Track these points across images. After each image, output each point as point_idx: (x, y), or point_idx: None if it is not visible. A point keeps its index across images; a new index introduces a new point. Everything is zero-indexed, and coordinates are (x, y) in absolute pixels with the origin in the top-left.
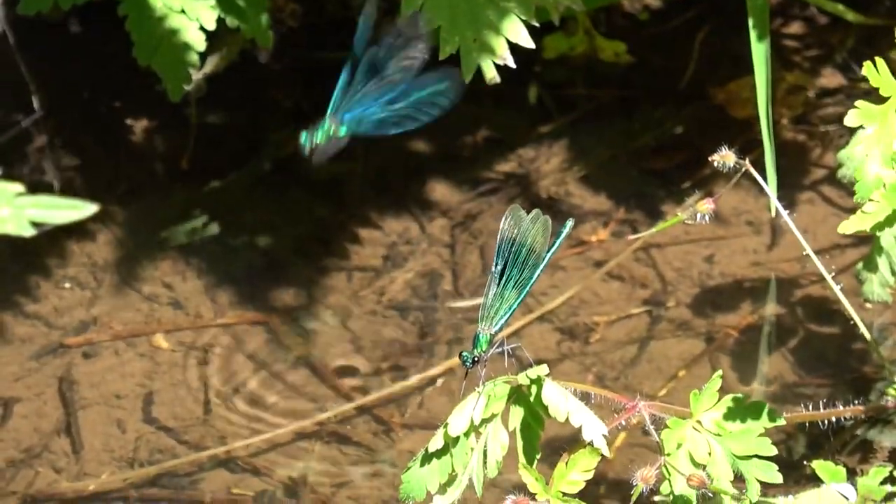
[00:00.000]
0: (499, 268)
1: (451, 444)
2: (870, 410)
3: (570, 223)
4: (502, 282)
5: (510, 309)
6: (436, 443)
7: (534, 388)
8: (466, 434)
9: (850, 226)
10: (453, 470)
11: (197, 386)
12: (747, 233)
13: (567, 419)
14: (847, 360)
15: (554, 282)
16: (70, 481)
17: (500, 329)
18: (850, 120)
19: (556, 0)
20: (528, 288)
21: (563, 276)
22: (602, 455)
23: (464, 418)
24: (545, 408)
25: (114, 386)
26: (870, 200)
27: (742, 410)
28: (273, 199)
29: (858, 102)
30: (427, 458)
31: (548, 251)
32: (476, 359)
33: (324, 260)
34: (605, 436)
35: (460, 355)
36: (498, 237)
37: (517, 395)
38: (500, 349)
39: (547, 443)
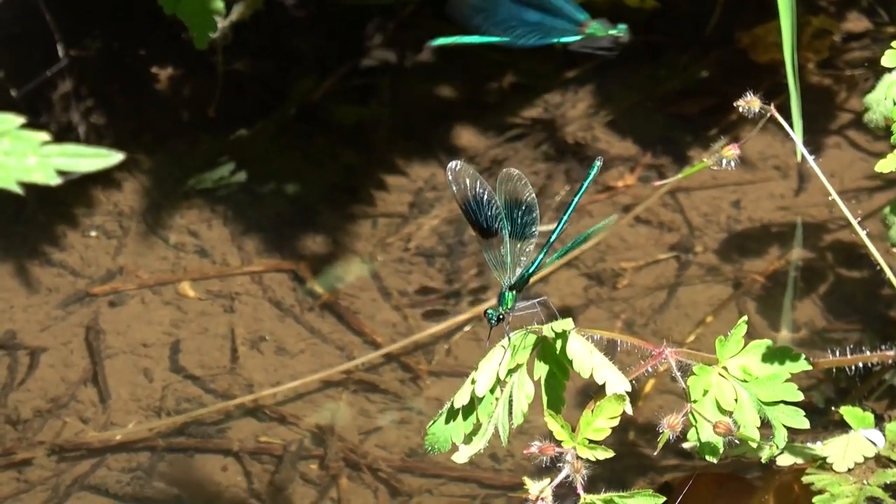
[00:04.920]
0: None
1: (476, 400)
2: None
3: (598, 163)
4: (518, 238)
5: (534, 264)
6: (461, 398)
7: (559, 342)
8: (492, 388)
9: (887, 165)
10: (478, 420)
11: (224, 334)
12: (774, 177)
13: (591, 375)
14: (874, 305)
15: (580, 227)
16: (97, 431)
17: (526, 283)
18: (887, 60)
19: None
20: (554, 237)
21: (589, 221)
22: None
23: (490, 375)
24: (570, 361)
25: (140, 335)
26: None
27: (769, 356)
28: (299, 146)
29: (895, 43)
30: (453, 413)
31: (576, 194)
32: (501, 316)
33: (350, 207)
34: (629, 392)
35: (485, 313)
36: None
37: (542, 347)
38: (526, 304)
39: (578, 390)
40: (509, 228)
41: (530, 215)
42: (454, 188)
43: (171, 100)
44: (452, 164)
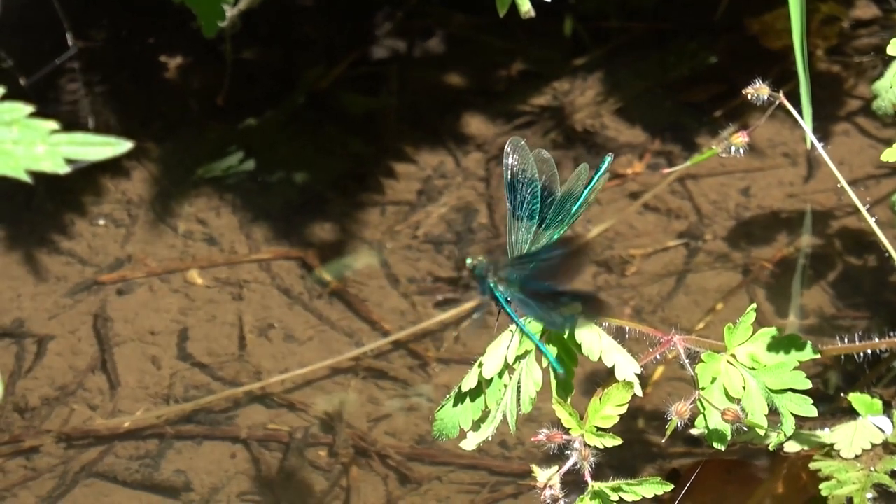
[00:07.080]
0: (513, 207)
1: (484, 384)
2: None
3: (608, 158)
4: (539, 223)
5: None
6: (469, 382)
7: None
8: (500, 373)
9: (894, 153)
10: (486, 407)
11: (232, 322)
12: (783, 164)
13: (600, 358)
14: (883, 292)
15: (589, 215)
16: (105, 418)
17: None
18: (893, 48)
19: None
20: (564, 228)
21: (598, 208)
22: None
23: (497, 359)
24: (579, 345)
25: (148, 322)
26: None
27: (777, 344)
28: (308, 134)
29: None
30: (460, 397)
31: (586, 188)
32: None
33: (359, 195)
34: (638, 375)
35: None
36: (507, 174)
37: (550, 333)
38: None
39: (586, 377)
40: (550, 218)
41: (569, 215)
42: (508, 160)
43: (179, 88)
44: (515, 139)
